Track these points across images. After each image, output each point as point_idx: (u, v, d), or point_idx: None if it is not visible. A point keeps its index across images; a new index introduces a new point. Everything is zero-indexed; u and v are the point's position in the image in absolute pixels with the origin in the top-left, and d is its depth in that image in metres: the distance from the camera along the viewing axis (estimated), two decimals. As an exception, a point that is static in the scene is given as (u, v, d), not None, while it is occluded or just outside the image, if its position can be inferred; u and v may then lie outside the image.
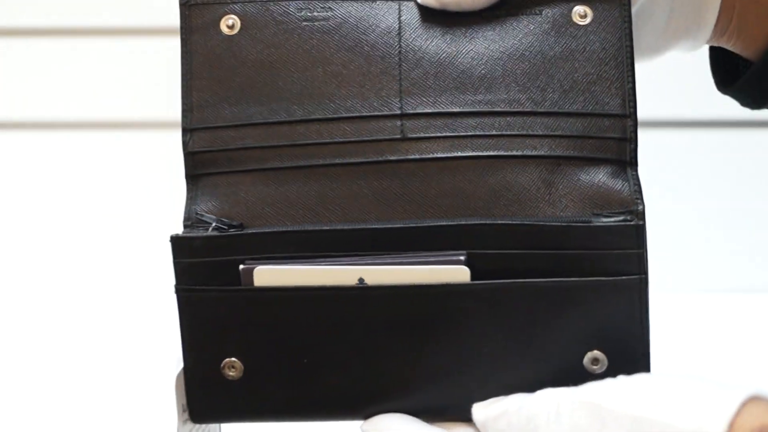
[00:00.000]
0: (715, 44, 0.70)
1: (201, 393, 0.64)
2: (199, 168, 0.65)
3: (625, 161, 0.63)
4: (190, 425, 0.66)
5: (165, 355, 1.24)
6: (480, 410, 0.61)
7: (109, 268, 1.48)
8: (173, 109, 1.47)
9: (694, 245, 1.48)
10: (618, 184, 0.62)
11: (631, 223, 0.61)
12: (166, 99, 1.48)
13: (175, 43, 1.55)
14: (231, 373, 0.64)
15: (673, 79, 1.43)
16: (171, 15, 1.45)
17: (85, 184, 1.47)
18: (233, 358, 0.64)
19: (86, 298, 1.46)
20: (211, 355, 0.64)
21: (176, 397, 0.64)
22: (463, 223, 0.61)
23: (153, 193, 1.48)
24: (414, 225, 0.61)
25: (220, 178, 0.64)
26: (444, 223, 0.61)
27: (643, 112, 0.67)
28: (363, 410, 0.63)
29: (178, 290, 0.64)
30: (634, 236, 0.61)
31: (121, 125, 1.46)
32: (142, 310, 1.44)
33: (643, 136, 0.67)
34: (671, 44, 0.69)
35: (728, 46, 0.69)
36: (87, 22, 1.44)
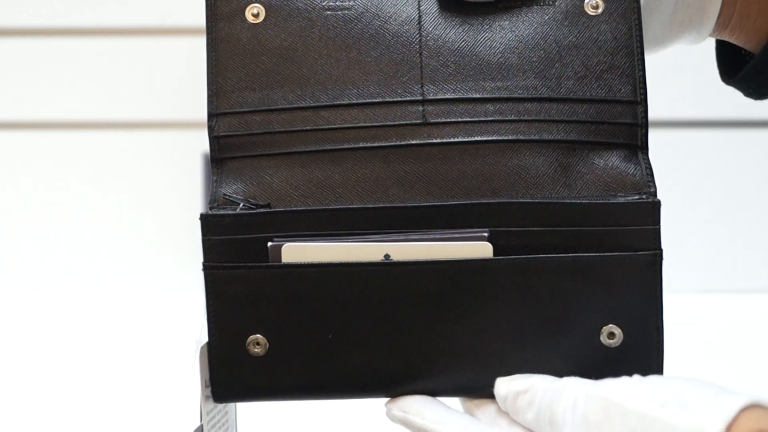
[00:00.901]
0: (718, 37, 0.73)
1: (224, 370, 0.65)
2: (224, 152, 0.66)
3: (637, 146, 0.66)
4: (213, 402, 0.67)
5: (167, 353, 1.24)
6: (503, 384, 0.64)
7: (109, 268, 1.48)
8: (173, 109, 1.47)
9: (694, 245, 1.49)
10: (630, 168, 0.65)
11: (648, 200, 0.64)
12: (167, 99, 1.48)
13: (175, 43, 1.54)
14: (256, 350, 0.65)
15: (672, 80, 1.43)
16: (171, 15, 1.45)
17: (85, 184, 1.47)
18: (258, 335, 0.65)
19: (86, 297, 1.46)
20: (237, 331, 0.65)
21: (200, 372, 0.65)
22: (485, 201, 0.64)
23: (153, 193, 1.47)
24: (438, 204, 0.64)
25: (245, 162, 0.66)
26: (467, 202, 0.64)
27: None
28: (385, 388, 0.65)
29: (206, 267, 0.66)
30: (651, 213, 0.63)
31: (121, 125, 1.46)
32: (141, 310, 1.44)
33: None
34: (676, 36, 0.72)
35: (731, 39, 0.72)
36: (87, 22, 1.44)
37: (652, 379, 0.59)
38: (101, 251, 1.48)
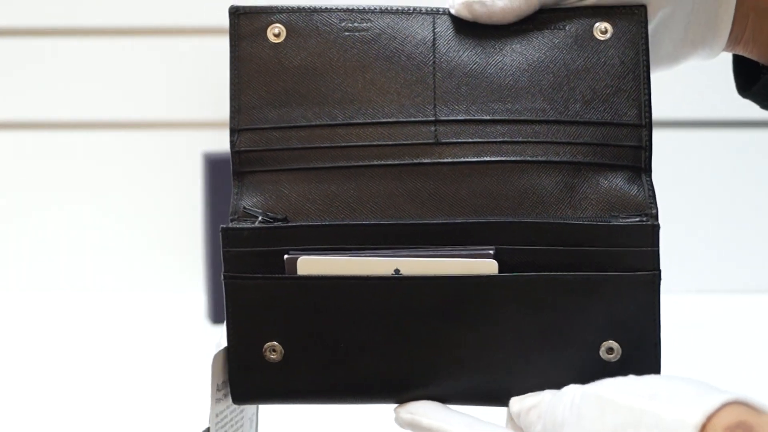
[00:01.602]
0: (732, 52, 0.75)
1: (243, 374, 0.69)
2: (245, 166, 0.69)
3: (641, 168, 0.69)
4: (222, 405, 0.70)
5: (167, 354, 1.24)
6: (515, 402, 0.67)
7: (109, 268, 1.48)
8: (173, 109, 1.48)
9: (694, 245, 1.49)
10: (634, 189, 0.68)
11: (648, 223, 0.67)
12: (167, 99, 1.48)
13: (175, 43, 1.54)
14: (272, 356, 0.68)
15: (672, 80, 1.43)
16: (171, 15, 1.45)
17: (85, 184, 1.47)
18: (274, 342, 0.68)
19: (86, 298, 1.46)
20: (254, 338, 0.68)
21: (212, 376, 0.69)
22: (492, 220, 0.67)
23: (153, 194, 1.48)
24: (447, 222, 0.67)
25: (264, 176, 0.69)
26: (475, 220, 0.67)
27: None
28: (394, 394, 0.69)
29: (226, 277, 0.68)
30: (650, 235, 0.67)
31: (121, 125, 1.46)
32: (142, 311, 1.44)
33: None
34: (689, 52, 0.74)
35: (745, 53, 0.75)
36: (87, 22, 1.44)
37: (647, 377, 0.63)
38: (101, 251, 1.48)
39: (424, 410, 0.67)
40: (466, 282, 0.66)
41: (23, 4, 1.44)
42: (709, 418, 0.57)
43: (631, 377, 0.63)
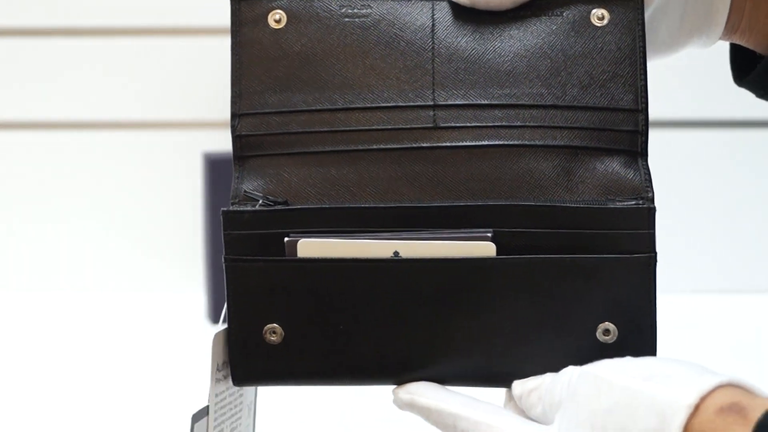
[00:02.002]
0: (729, 41, 0.76)
1: (243, 356, 0.69)
2: (246, 150, 0.70)
3: (637, 152, 0.69)
4: (222, 386, 0.71)
5: (167, 353, 1.24)
6: (518, 386, 0.68)
7: (109, 268, 1.48)
8: (173, 109, 1.48)
9: (693, 245, 1.49)
10: (630, 173, 0.69)
11: (644, 206, 0.67)
12: (167, 99, 1.48)
13: (175, 43, 1.54)
14: (272, 338, 0.69)
15: (671, 80, 1.44)
16: (171, 15, 1.45)
17: (85, 184, 1.47)
18: (275, 324, 0.69)
19: (86, 298, 1.46)
20: (255, 320, 0.69)
21: (212, 356, 0.69)
22: (490, 203, 0.68)
23: (153, 193, 1.48)
24: (445, 204, 0.68)
25: (265, 160, 0.70)
26: (473, 204, 0.68)
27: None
28: (393, 376, 0.69)
29: (227, 260, 0.69)
30: (646, 218, 0.67)
31: (121, 125, 1.47)
32: (141, 311, 1.44)
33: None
34: (686, 40, 0.74)
35: (741, 42, 0.75)
36: (87, 22, 1.44)
37: (643, 359, 0.64)
38: (101, 251, 1.48)
39: (422, 390, 0.68)
40: (464, 264, 0.67)
41: (23, 4, 1.45)
42: (703, 399, 0.58)
43: (628, 358, 0.63)
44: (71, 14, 1.45)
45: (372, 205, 0.68)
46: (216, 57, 1.43)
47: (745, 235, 1.48)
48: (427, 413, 0.67)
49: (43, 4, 1.45)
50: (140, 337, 1.34)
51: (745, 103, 1.35)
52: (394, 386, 0.69)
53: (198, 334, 1.33)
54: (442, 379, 0.69)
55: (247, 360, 0.69)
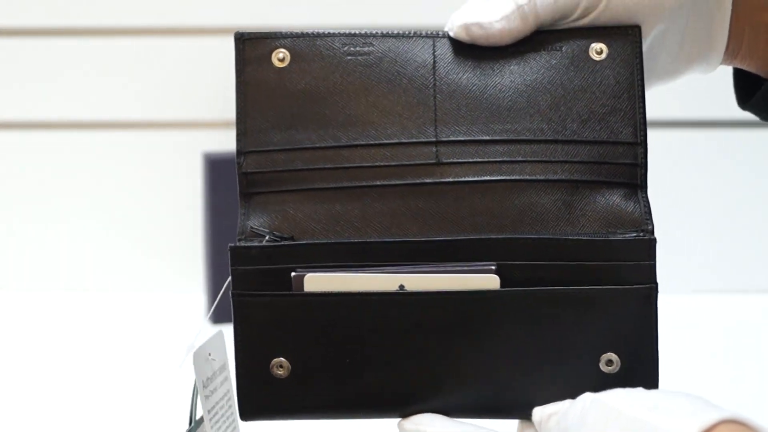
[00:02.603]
0: (730, 65, 0.77)
1: (250, 390, 0.70)
2: (251, 187, 0.72)
3: (637, 185, 0.71)
4: (211, 401, 0.72)
5: (165, 354, 1.24)
6: (537, 412, 0.70)
7: (109, 269, 1.49)
8: (173, 109, 1.48)
9: (694, 245, 1.49)
10: (630, 206, 0.70)
11: (645, 237, 0.69)
12: (167, 99, 1.48)
13: (175, 43, 1.54)
14: (279, 372, 0.70)
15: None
16: (171, 15, 1.45)
17: (85, 184, 1.47)
18: (281, 358, 0.70)
19: (85, 298, 1.46)
20: (261, 354, 0.70)
21: (196, 373, 0.71)
22: (493, 237, 0.69)
23: (153, 193, 1.48)
24: (450, 239, 0.69)
25: (270, 197, 0.71)
26: (476, 237, 0.69)
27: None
28: (399, 408, 0.70)
29: (234, 295, 0.70)
30: (647, 250, 0.69)
31: (121, 125, 1.47)
32: (141, 311, 1.44)
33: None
34: (686, 67, 0.76)
35: (743, 67, 0.76)
36: (87, 22, 1.44)
37: (654, 391, 0.65)
38: (101, 251, 1.48)
39: (427, 421, 0.69)
40: (469, 297, 0.68)
41: (23, 4, 1.45)
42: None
43: (640, 390, 0.65)
44: (71, 14, 1.45)
45: (377, 240, 0.69)
46: (216, 57, 1.44)
47: (745, 235, 1.48)
48: None
49: (43, 4, 1.45)
50: (140, 338, 1.34)
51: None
52: (400, 419, 0.71)
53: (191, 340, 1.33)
54: (448, 411, 0.70)
55: (253, 394, 0.70)
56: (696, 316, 1.41)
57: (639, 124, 0.71)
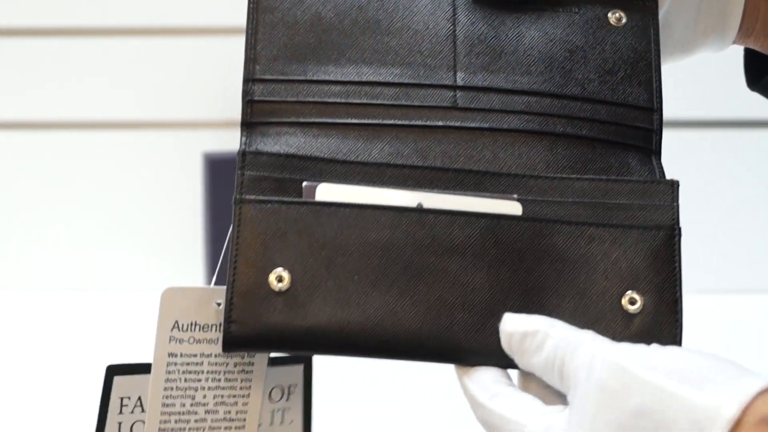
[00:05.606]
0: (743, 45, 0.77)
1: (243, 304, 0.64)
2: (256, 116, 0.69)
3: (651, 150, 0.70)
4: (175, 345, 0.67)
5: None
6: (510, 321, 0.64)
7: (109, 269, 1.49)
8: (173, 109, 1.48)
9: (694, 245, 1.49)
10: (645, 171, 0.70)
11: (668, 180, 0.69)
12: (167, 99, 1.48)
13: (175, 43, 1.53)
14: (278, 284, 0.65)
15: (672, 80, 1.43)
16: (171, 15, 1.45)
17: (85, 184, 1.47)
18: (282, 269, 0.65)
19: (85, 298, 1.46)
20: (260, 265, 0.65)
21: (163, 314, 0.65)
22: (514, 173, 0.68)
23: (153, 193, 1.48)
24: (472, 169, 0.68)
25: (274, 128, 0.69)
26: (500, 172, 0.67)
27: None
28: (407, 336, 0.65)
29: (237, 200, 0.66)
30: (670, 192, 0.68)
31: (121, 125, 1.47)
32: (141, 311, 1.44)
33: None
34: (701, 41, 0.76)
35: (756, 47, 0.76)
36: (87, 22, 1.44)
37: (671, 351, 0.58)
38: (101, 251, 1.48)
39: (492, 386, 0.63)
40: (489, 221, 0.66)
41: (23, 4, 1.45)
42: (745, 409, 0.53)
43: (654, 347, 0.58)
44: (71, 14, 1.45)
45: (396, 163, 0.67)
46: (216, 57, 1.44)
47: (745, 235, 1.48)
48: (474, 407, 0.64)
49: (43, 4, 1.45)
50: (140, 338, 1.34)
51: (745, 103, 1.35)
52: (459, 369, 0.65)
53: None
54: (456, 348, 0.65)
55: (246, 309, 0.64)
56: (696, 316, 1.41)
57: (655, 92, 0.70)
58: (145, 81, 1.47)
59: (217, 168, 1.37)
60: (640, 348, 0.58)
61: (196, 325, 0.67)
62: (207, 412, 0.68)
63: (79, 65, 1.46)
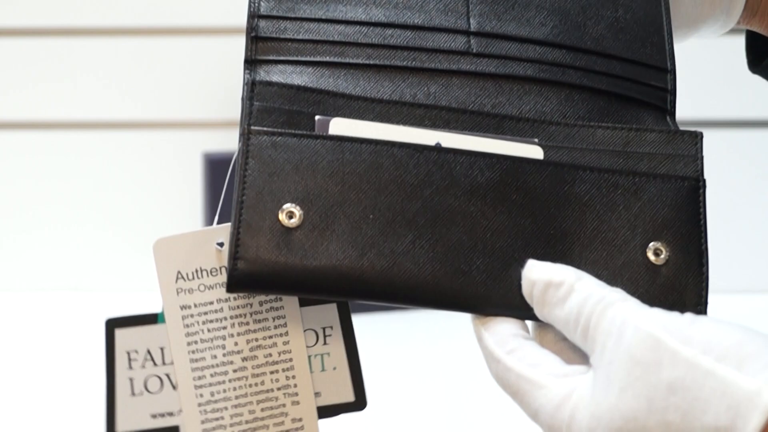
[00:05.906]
0: (748, 26, 0.78)
1: (250, 240, 0.61)
2: (259, 53, 0.67)
3: (666, 110, 0.70)
4: (185, 297, 0.63)
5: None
6: (535, 268, 0.61)
7: (109, 269, 1.48)
8: (173, 109, 1.48)
9: (694, 245, 1.49)
10: (662, 128, 0.69)
11: (691, 131, 0.68)
12: (167, 99, 1.48)
13: (175, 43, 1.54)
14: (289, 220, 0.62)
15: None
16: (171, 15, 1.45)
17: (85, 184, 1.47)
18: (293, 204, 0.62)
19: (85, 298, 1.46)
20: (270, 200, 0.62)
21: (161, 268, 0.62)
22: (540, 119, 0.66)
23: (153, 193, 1.48)
24: (495, 112, 0.66)
25: (279, 67, 0.66)
26: (519, 116, 0.66)
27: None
28: (421, 282, 0.62)
29: (245, 131, 0.63)
30: (694, 143, 0.67)
31: (121, 125, 1.47)
32: (141, 311, 1.44)
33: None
34: (707, 14, 0.76)
35: (760, 29, 0.77)
36: (87, 22, 1.44)
37: (708, 323, 0.55)
38: (101, 251, 1.48)
39: (511, 341, 0.61)
40: (511, 164, 0.64)
41: (23, 4, 1.45)
42: None
43: (689, 318, 0.56)
44: (71, 14, 1.45)
45: (413, 102, 0.65)
46: (216, 57, 1.43)
47: (745, 235, 1.48)
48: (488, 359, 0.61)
49: (43, 4, 1.45)
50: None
51: (745, 103, 1.35)
52: (476, 319, 0.63)
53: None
54: (479, 295, 0.62)
55: (252, 246, 0.61)
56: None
57: (669, 54, 0.70)
58: (145, 81, 1.47)
59: (217, 168, 1.37)
60: (674, 317, 0.56)
61: (202, 270, 0.64)
62: (244, 359, 0.64)
63: (79, 65, 1.46)
